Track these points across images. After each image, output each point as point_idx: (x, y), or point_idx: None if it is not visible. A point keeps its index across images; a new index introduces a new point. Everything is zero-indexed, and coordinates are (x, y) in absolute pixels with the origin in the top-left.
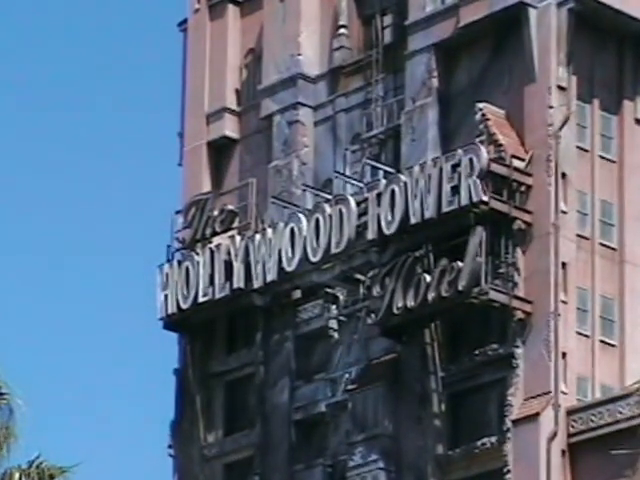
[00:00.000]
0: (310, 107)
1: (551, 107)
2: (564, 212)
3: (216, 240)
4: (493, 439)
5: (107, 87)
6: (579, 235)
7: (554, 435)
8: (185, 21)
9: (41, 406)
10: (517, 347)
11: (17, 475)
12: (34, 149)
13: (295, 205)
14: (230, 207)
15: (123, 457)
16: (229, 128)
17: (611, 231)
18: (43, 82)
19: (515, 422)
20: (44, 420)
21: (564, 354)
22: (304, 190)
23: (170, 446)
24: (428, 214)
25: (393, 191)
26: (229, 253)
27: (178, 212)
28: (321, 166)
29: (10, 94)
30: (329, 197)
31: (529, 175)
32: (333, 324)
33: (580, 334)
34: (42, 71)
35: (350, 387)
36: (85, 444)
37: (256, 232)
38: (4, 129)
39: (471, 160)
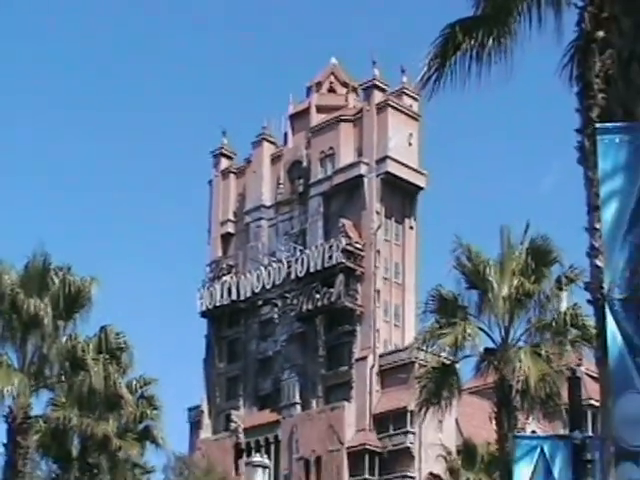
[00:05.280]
0: (266, 219)
1: (372, 221)
2: (377, 267)
3: (224, 278)
4: (346, 367)
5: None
6: (385, 277)
7: (373, 366)
8: (211, 181)
9: None
10: (358, 324)
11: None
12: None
13: (259, 262)
14: (230, 263)
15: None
16: (230, 228)
17: (399, 275)
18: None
19: (357, 359)
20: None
21: (378, 330)
22: (264, 255)
23: None
24: (319, 267)
25: (303, 258)
26: (231, 281)
27: (208, 264)
28: (271, 245)
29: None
30: (274, 259)
31: (362, 251)
32: (275, 314)
33: (386, 322)
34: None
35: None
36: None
37: (242, 275)
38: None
39: (338, 245)
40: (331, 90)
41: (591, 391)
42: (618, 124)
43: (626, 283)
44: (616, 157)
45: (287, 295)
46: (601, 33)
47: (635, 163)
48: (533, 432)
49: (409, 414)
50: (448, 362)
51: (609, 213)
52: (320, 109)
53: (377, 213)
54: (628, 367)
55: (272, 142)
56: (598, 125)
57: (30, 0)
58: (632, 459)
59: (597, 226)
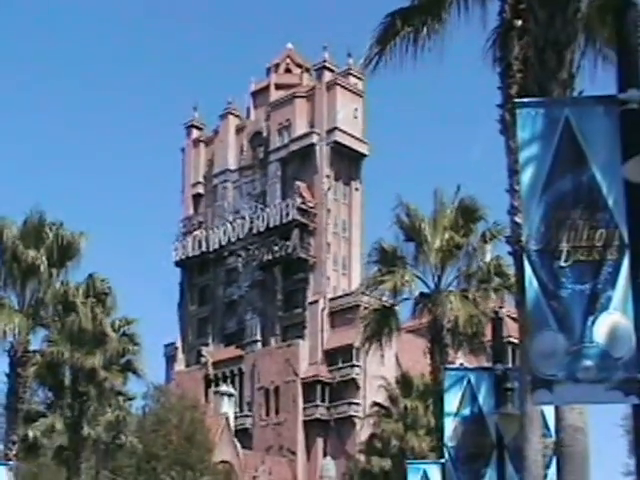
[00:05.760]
0: (231, 182)
1: (323, 183)
2: (328, 223)
3: (195, 232)
4: (301, 310)
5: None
6: (334, 232)
7: (324, 308)
8: (183, 149)
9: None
10: (311, 272)
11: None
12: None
13: (226, 219)
14: (200, 219)
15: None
16: (200, 189)
17: (346, 230)
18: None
19: (310, 303)
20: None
21: (328, 278)
22: (229, 213)
23: None
24: (277, 223)
25: (263, 215)
26: (201, 235)
27: (181, 221)
28: (236, 204)
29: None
30: (238, 216)
31: (315, 209)
32: (239, 263)
33: (335, 271)
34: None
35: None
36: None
37: (211, 230)
38: None
39: (293, 203)
40: (287, 70)
41: (511, 330)
42: (535, 99)
43: (541, 237)
44: (533, 128)
45: (249, 247)
46: (519, 22)
47: (549, 133)
48: (461, 365)
49: (355, 350)
50: (388, 305)
51: (526, 176)
52: (278, 87)
53: (327, 176)
54: (543, 309)
55: (237, 115)
56: (517, 100)
57: None
58: (546, 386)
59: (516, 188)
